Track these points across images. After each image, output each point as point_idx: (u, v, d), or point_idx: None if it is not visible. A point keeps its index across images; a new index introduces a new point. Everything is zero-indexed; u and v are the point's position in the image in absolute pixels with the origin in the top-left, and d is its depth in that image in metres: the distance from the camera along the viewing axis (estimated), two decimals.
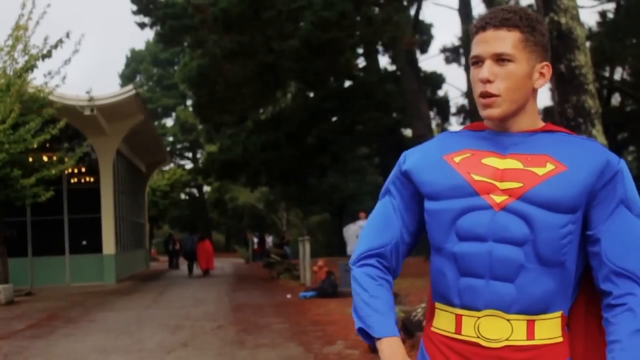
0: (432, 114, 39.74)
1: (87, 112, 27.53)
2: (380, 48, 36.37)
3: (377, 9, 27.77)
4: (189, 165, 74.95)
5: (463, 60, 40.98)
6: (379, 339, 2.49)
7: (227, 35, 27.04)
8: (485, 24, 2.48)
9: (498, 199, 2.42)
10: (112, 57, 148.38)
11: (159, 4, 35.13)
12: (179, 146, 76.39)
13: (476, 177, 2.45)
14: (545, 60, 2.54)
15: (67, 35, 24.19)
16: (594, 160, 2.43)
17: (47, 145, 26.89)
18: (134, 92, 28.39)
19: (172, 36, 35.31)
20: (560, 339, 2.46)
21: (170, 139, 74.22)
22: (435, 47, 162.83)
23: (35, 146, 24.35)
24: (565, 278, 2.43)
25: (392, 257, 2.64)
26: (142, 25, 38.08)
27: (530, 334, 2.41)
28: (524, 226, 2.38)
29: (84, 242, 31.19)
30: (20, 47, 24.27)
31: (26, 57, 24.36)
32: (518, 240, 2.38)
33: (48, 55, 24.31)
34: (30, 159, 25.75)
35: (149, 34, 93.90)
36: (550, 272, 2.39)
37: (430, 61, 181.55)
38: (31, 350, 13.36)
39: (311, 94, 35.81)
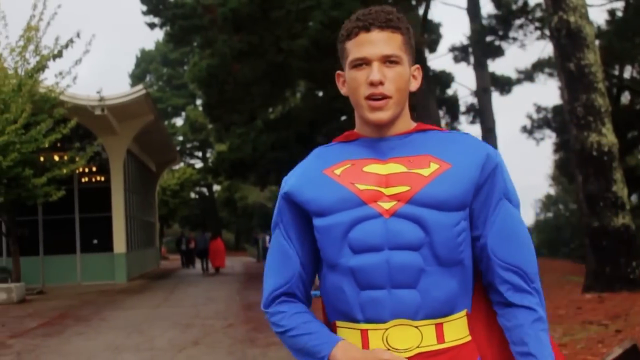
0: (441, 112, 39.65)
1: (97, 112, 27.61)
2: None
3: None
4: (198, 164, 74.92)
5: (472, 59, 40.90)
6: (326, 355, 2.36)
7: (237, 35, 27.03)
8: (369, 24, 2.38)
9: (386, 205, 2.34)
10: (122, 57, 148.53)
11: (168, 5, 35.14)
12: (188, 145, 76.37)
13: (361, 187, 2.37)
14: (415, 63, 2.51)
15: (78, 35, 24.27)
16: (476, 155, 2.41)
17: (58, 144, 26.96)
18: (144, 91, 28.46)
19: (181, 36, 35.30)
20: (469, 338, 2.43)
21: (180, 138, 74.23)
22: (444, 46, 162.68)
23: (46, 146, 24.43)
24: (465, 276, 2.40)
25: (300, 288, 2.54)
26: (152, 26, 38.10)
27: (440, 338, 2.35)
28: (417, 229, 2.32)
29: (95, 241, 31.27)
30: (31, 47, 24.38)
31: (37, 58, 24.44)
32: (414, 244, 2.32)
33: (59, 55, 24.39)
34: (42, 159, 25.84)
35: (159, 34, 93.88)
36: (451, 272, 2.34)
37: (439, 60, 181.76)
38: (43, 348, 13.42)
39: (320, 94, 35.82)
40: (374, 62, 2.36)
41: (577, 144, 16.22)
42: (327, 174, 2.44)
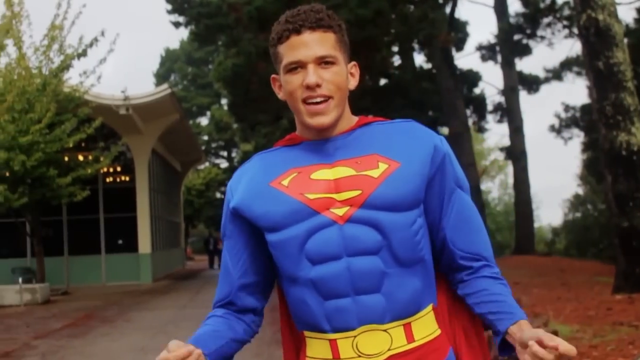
0: (468, 111, 39.58)
1: (122, 112, 27.70)
2: (415, 46, 36.28)
3: (412, 7, 27.71)
4: (224, 164, 75.04)
5: (499, 57, 40.81)
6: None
7: (262, 34, 27.01)
8: (299, 26, 2.33)
9: (340, 211, 2.30)
10: (147, 56, 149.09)
11: (193, 3, 35.28)
12: (214, 145, 76.45)
13: (311, 196, 2.32)
14: (351, 60, 2.45)
15: (102, 34, 24.37)
16: (423, 148, 2.38)
17: (83, 144, 27.11)
18: (169, 91, 28.53)
19: (206, 35, 35.38)
20: (438, 331, 2.41)
21: (205, 137, 74.33)
22: (471, 44, 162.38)
23: (71, 145, 24.59)
24: (427, 272, 2.39)
25: (244, 299, 2.55)
26: (176, 24, 38.29)
27: (410, 337, 2.34)
28: (374, 233, 2.29)
29: (120, 241, 31.40)
30: (55, 47, 24.49)
31: (62, 57, 24.57)
32: (372, 248, 2.29)
33: (83, 54, 24.52)
34: (66, 158, 25.97)
35: (184, 33, 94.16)
36: (412, 271, 2.33)
37: (466, 59, 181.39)
38: (68, 349, 13.48)
39: None
40: (309, 65, 2.31)
41: (606, 143, 16.10)
42: (274, 186, 2.39)
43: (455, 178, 2.44)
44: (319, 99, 2.32)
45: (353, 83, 2.45)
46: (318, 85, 2.30)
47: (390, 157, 2.35)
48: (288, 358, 2.59)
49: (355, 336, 2.31)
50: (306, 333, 2.43)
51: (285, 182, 2.37)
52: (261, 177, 2.43)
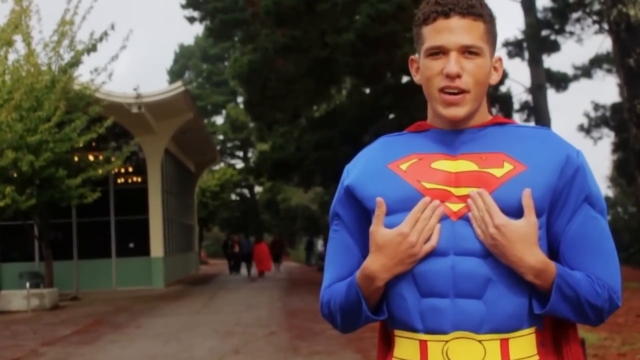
0: (494, 110, 39.45)
1: (134, 110, 27.77)
2: None
3: None
4: (239, 164, 75.09)
5: (527, 54, 40.69)
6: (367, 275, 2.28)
7: (280, 30, 27.10)
8: (449, 10, 2.27)
9: (455, 207, 2.25)
10: (161, 53, 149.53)
11: None
12: (229, 145, 76.56)
13: (428, 185, 2.27)
14: (495, 53, 2.40)
15: (112, 27, 24.39)
16: (554, 157, 2.29)
17: (93, 144, 27.22)
18: (183, 88, 28.58)
19: (222, 31, 35.46)
20: (537, 358, 2.29)
21: (220, 137, 74.43)
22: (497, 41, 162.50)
23: (81, 145, 24.66)
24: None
25: None
26: (191, 20, 38.37)
27: (505, 355, 2.23)
28: None
29: (131, 245, 31.50)
30: (65, 42, 24.54)
31: (72, 53, 24.62)
32: (482, 251, 2.21)
33: (93, 49, 24.57)
34: (76, 159, 26.08)
35: (199, 28, 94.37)
36: (521, 285, 2.23)
37: None
38: (77, 356, 13.51)
39: (367, 90, 35.77)
40: (451, 52, 2.26)
41: (637, 143, 16.02)
42: (392, 168, 2.35)
43: (586, 193, 2.31)
44: (455, 91, 2.27)
45: (495, 78, 2.40)
46: (458, 76, 2.25)
47: (518, 159, 2.28)
48: (379, 359, 2.53)
49: (447, 341, 2.23)
50: (397, 332, 2.36)
51: (403, 167, 2.34)
52: (380, 158, 2.40)
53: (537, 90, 39.72)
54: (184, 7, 37.60)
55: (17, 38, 23.47)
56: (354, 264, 2.41)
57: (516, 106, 43.01)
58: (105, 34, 24.42)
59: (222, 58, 75.01)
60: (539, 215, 2.23)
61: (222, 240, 66.79)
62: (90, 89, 25.29)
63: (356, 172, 2.43)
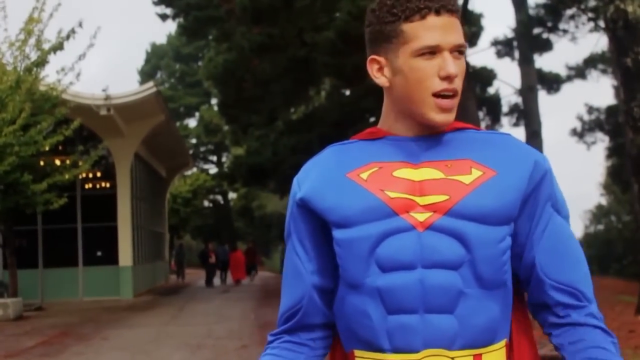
0: (481, 113, 39.51)
1: (103, 112, 27.70)
2: None
3: None
4: (213, 169, 75.08)
5: (517, 54, 40.77)
6: None
7: (256, 27, 27.10)
8: (440, 6, 2.21)
9: (420, 217, 2.19)
10: (131, 52, 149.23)
11: None
12: (202, 149, 76.54)
13: (392, 194, 2.21)
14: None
15: (80, 25, 24.34)
16: (522, 162, 2.27)
17: (60, 147, 27.10)
18: (154, 89, 28.53)
19: (196, 29, 35.43)
20: None
21: (194, 141, 74.40)
22: (485, 39, 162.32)
23: (47, 149, 24.52)
24: (507, 300, 2.26)
25: (313, 312, 2.40)
26: (163, 17, 38.27)
27: None
28: (457, 246, 2.18)
29: (99, 253, 31.42)
30: (32, 41, 24.44)
31: (38, 53, 24.53)
32: (453, 262, 2.17)
33: (59, 47, 24.49)
34: (42, 163, 25.96)
35: (171, 26, 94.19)
36: (493, 296, 2.20)
37: (479, 55, 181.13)
38: None
39: (347, 92, 35.81)
40: (445, 52, 2.21)
41: (633, 148, 16.09)
42: (352, 177, 2.27)
43: (552, 199, 2.31)
44: (451, 94, 2.23)
45: None
46: (455, 78, 2.22)
47: (486, 165, 2.25)
48: None
49: None
50: (357, 352, 2.28)
51: (364, 176, 2.27)
52: (335, 167, 2.33)
53: (527, 91, 39.76)
54: (155, 3, 37.49)
55: None
56: (303, 291, 2.38)
57: (505, 109, 43.10)
58: (73, 31, 24.34)
59: (195, 58, 74.92)
60: (509, 222, 2.23)
61: (194, 249, 66.85)
62: (57, 90, 25.19)
63: (310, 183, 2.35)
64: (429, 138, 2.30)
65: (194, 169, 64.82)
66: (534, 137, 39.55)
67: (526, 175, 2.25)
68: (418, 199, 2.21)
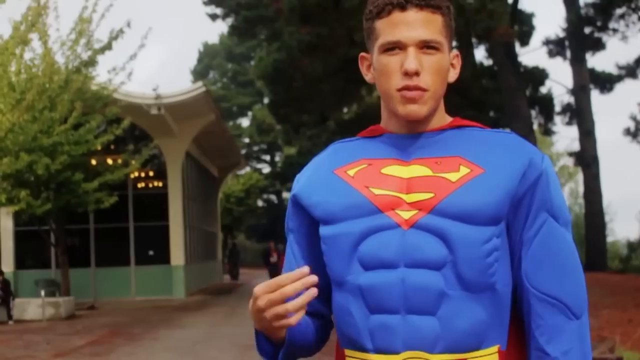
0: (533, 112, 39.27)
1: (154, 111, 27.81)
2: (474, 40, 36.13)
3: None
4: (266, 169, 75.28)
5: (569, 53, 40.46)
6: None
7: (305, 27, 27.07)
8: (405, 2, 2.19)
9: (406, 214, 2.17)
10: (185, 52, 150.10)
11: None
12: (255, 148, 76.66)
13: (376, 192, 2.21)
14: (452, 47, 2.32)
15: (128, 25, 24.45)
16: (516, 160, 2.21)
17: (111, 147, 27.34)
18: (204, 89, 28.60)
19: (246, 28, 35.53)
20: None
21: (246, 140, 74.52)
22: (537, 39, 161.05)
23: (98, 148, 24.71)
24: (498, 304, 2.19)
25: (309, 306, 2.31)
26: (213, 17, 38.46)
27: None
28: (440, 245, 2.14)
29: (151, 252, 31.56)
30: (83, 41, 24.60)
31: (89, 52, 24.69)
32: (435, 262, 2.14)
33: (108, 47, 24.63)
34: (93, 162, 26.17)
35: (223, 26, 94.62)
36: (478, 299, 2.15)
37: (531, 55, 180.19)
38: None
39: None
40: (409, 48, 2.18)
41: None
42: (339, 174, 2.31)
43: (547, 203, 2.23)
44: (413, 89, 2.19)
45: (453, 75, 2.34)
46: (417, 74, 2.18)
47: (475, 163, 2.22)
48: None
49: None
50: (347, 352, 2.28)
51: (351, 172, 2.29)
52: (327, 165, 2.37)
53: (579, 91, 39.49)
54: (206, 3, 37.66)
55: (34, 36, 23.53)
56: None
57: (557, 108, 42.84)
58: (121, 31, 24.48)
59: (248, 57, 75.03)
60: (496, 222, 2.18)
61: (248, 249, 67.02)
62: (108, 90, 25.37)
63: (303, 180, 2.41)
64: (425, 135, 2.29)
65: (247, 168, 64.93)
66: (588, 137, 39.24)
67: (517, 174, 2.20)
68: (405, 197, 2.20)
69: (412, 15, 2.20)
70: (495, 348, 2.19)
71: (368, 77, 2.37)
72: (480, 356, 2.17)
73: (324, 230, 2.28)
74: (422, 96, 2.20)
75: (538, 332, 2.21)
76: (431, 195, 2.17)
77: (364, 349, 2.21)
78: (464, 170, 2.20)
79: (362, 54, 2.39)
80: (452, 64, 2.33)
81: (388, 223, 2.18)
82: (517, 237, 2.23)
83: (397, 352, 2.15)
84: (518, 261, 2.24)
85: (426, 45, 2.20)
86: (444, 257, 2.14)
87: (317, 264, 2.33)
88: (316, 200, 2.31)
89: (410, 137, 2.29)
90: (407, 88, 2.19)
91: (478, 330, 2.15)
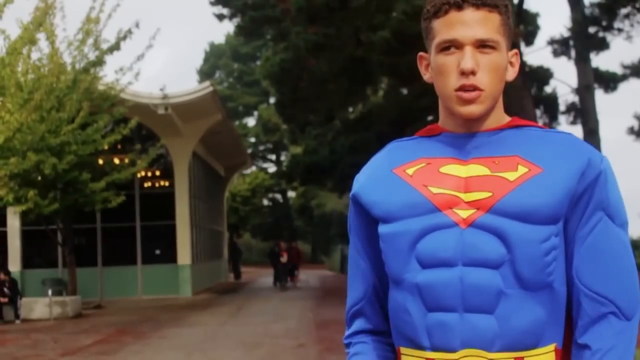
0: (538, 112, 39.20)
1: (161, 111, 27.82)
2: None
3: None
4: (272, 168, 75.25)
5: (574, 53, 40.40)
6: None
7: (312, 27, 27.07)
8: (462, 1, 2.19)
9: (464, 213, 2.17)
10: (191, 52, 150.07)
11: None
12: (261, 148, 76.70)
13: (435, 190, 2.21)
14: (512, 47, 2.32)
15: (137, 25, 24.48)
16: (574, 159, 2.19)
17: (118, 146, 27.35)
18: (210, 89, 28.59)
19: (252, 28, 35.51)
20: None
21: (252, 139, 74.57)
22: (541, 38, 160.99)
23: (105, 147, 24.72)
24: (555, 303, 2.18)
25: (374, 309, 2.44)
26: (220, 17, 38.40)
27: None
28: (498, 244, 2.14)
29: (158, 252, 31.57)
30: (90, 41, 24.62)
31: (97, 52, 24.72)
32: (493, 261, 2.13)
33: (116, 47, 24.66)
34: (100, 162, 26.17)
35: (229, 26, 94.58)
36: (536, 297, 2.14)
37: (536, 54, 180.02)
38: None
39: (405, 91, 35.69)
40: (466, 47, 2.19)
41: None
42: (397, 173, 2.31)
43: (604, 202, 2.21)
44: (470, 88, 2.19)
45: (511, 74, 2.32)
46: (473, 73, 2.18)
47: (533, 162, 2.21)
48: None
49: None
50: (402, 350, 2.29)
51: (410, 171, 2.29)
52: (386, 164, 2.37)
53: (584, 90, 39.38)
54: (212, 4, 37.63)
55: (41, 36, 23.56)
56: (365, 284, 2.43)
57: (562, 108, 42.77)
58: (130, 32, 24.51)
59: (254, 57, 75.09)
60: (555, 221, 2.16)
61: (254, 247, 67.02)
62: (115, 89, 25.39)
63: (362, 179, 2.40)
64: (483, 134, 2.29)
65: (253, 168, 64.95)
66: (591, 136, 39.14)
67: (576, 173, 2.18)
68: (463, 196, 2.20)
69: (469, 14, 2.20)
70: (552, 346, 2.20)
71: (426, 76, 2.37)
72: (538, 354, 2.17)
73: (382, 228, 2.28)
74: (479, 96, 2.20)
75: (582, 327, 2.21)
76: (489, 194, 2.18)
77: (420, 347, 2.22)
78: (522, 170, 2.20)
79: (421, 53, 2.39)
80: (510, 62, 2.32)
81: (446, 222, 2.19)
82: (572, 235, 2.23)
83: (454, 350, 2.16)
84: (570, 258, 2.23)
85: (483, 45, 2.20)
86: (502, 256, 2.15)
87: (378, 263, 2.36)
88: (375, 199, 2.31)
89: (468, 136, 2.29)
90: (463, 87, 2.20)
91: (535, 328, 2.16)
